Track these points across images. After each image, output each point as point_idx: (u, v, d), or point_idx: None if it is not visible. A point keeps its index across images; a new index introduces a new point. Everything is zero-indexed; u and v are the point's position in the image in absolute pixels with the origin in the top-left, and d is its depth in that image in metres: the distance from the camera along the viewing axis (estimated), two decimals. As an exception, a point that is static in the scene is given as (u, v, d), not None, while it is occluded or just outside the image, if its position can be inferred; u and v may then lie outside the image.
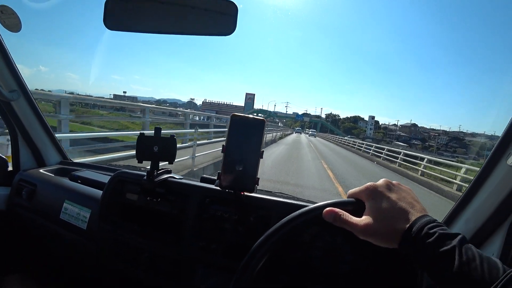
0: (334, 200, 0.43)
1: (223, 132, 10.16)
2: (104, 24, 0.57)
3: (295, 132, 56.44)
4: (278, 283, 0.62)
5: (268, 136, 15.04)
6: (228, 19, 0.56)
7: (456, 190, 7.64)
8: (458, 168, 8.88)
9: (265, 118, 0.63)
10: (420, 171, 10.34)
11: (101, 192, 0.83)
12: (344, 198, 0.45)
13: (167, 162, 0.74)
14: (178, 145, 0.80)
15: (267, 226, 0.46)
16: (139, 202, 0.76)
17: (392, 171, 11.46)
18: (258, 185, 0.63)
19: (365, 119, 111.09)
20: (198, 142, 6.54)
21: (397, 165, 12.42)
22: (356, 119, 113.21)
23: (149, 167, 0.73)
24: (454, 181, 8.16)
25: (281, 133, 25.07)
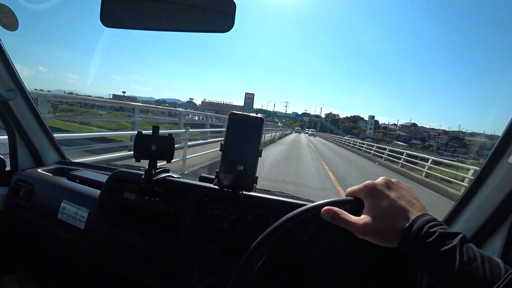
0: (332, 199, 0.43)
1: (220, 132, 9.93)
2: (101, 21, 0.57)
3: (295, 132, 56.43)
4: (277, 283, 0.61)
5: (266, 136, 14.65)
6: (226, 16, 0.55)
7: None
8: (466, 170, 8.48)
9: (265, 118, 0.63)
10: (424, 172, 9.92)
11: (99, 191, 0.82)
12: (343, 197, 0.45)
13: (165, 162, 0.74)
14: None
15: (265, 225, 0.46)
16: (137, 201, 0.76)
17: (394, 172, 11.02)
18: (256, 184, 0.63)
19: (365, 118, 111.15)
20: (193, 142, 6.40)
21: (399, 165, 12.08)
22: (356, 119, 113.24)
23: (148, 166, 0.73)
24: (462, 183, 7.70)
25: (280, 132, 24.53)
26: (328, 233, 0.62)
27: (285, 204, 0.65)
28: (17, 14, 0.86)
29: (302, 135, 45.74)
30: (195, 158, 5.46)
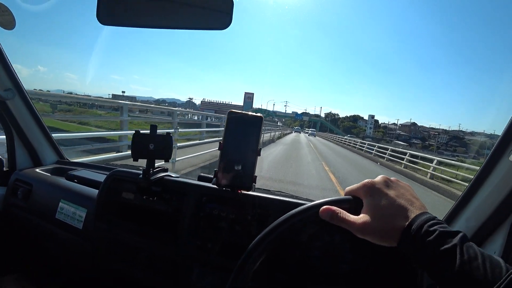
0: (331, 198, 0.42)
1: (217, 131, 9.63)
2: (98, 18, 0.56)
3: (294, 132, 56.46)
4: (277, 283, 0.61)
5: (265, 136, 14.26)
6: (223, 12, 0.55)
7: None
8: (472, 171, 8.05)
9: (264, 118, 0.62)
10: (429, 174, 9.47)
11: (97, 191, 0.82)
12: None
13: (163, 161, 0.73)
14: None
15: (264, 224, 0.45)
16: (135, 201, 0.75)
17: (397, 173, 10.52)
18: (255, 183, 0.62)
19: (364, 118, 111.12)
20: (184, 143, 6.09)
21: (402, 166, 11.67)
22: (355, 118, 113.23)
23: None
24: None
25: (279, 132, 24.10)
26: (328, 233, 0.62)
27: (284, 204, 0.65)
28: (17, 14, 0.85)
29: (302, 135, 45.64)
30: (185, 160, 5.08)
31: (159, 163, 0.76)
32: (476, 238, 0.60)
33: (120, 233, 0.76)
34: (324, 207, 0.41)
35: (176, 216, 0.70)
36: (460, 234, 0.34)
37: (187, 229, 0.68)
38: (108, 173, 0.81)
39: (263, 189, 0.80)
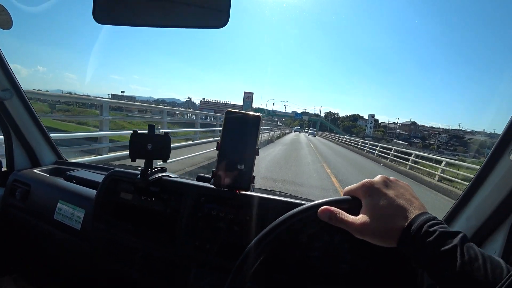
0: (329, 199, 0.42)
1: (213, 131, 9.07)
2: (94, 17, 0.56)
3: (294, 131, 56.44)
4: (277, 283, 0.61)
5: (263, 136, 13.68)
6: (220, 11, 0.55)
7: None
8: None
9: (263, 117, 0.62)
10: (437, 176, 8.85)
11: (95, 192, 0.82)
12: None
13: (161, 161, 0.73)
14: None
15: (263, 225, 0.45)
16: (133, 201, 0.75)
17: (403, 175, 9.98)
18: (254, 183, 0.62)
19: (364, 117, 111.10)
20: (177, 144, 5.63)
21: (407, 167, 11.07)
22: (355, 118, 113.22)
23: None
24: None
25: (278, 132, 23.56)
26: (327, 233, 0.61)
27: (283, 204, 0.65)
28: (17, 14, 0.85)
29: (302, 135, 45.52)
30: (173, 164, 4.50)
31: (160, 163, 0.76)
32: (476, 237, 0.59)
33: (118, 234, 0.75)
34: (323, 207, 0.40)
35: (174, 217, 0.70)
36: (460, 235, 0.33)
37: (185, 229, 0.68)
38: (106, 173, 0.81)
39: (262, 189, 0.80)
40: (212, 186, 0.66)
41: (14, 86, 0.99)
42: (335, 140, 34.11)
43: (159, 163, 0.90)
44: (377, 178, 0.42)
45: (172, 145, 0.72)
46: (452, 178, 8.35)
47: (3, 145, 1.10)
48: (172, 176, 0.77)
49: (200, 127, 8.43)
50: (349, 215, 0.40)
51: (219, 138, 0.60)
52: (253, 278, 0.42)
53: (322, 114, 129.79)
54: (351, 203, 0.42)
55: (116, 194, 0.77)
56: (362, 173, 9.50)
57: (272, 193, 0.75)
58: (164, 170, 0.77)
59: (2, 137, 1.10)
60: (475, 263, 0.30)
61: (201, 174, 0.76)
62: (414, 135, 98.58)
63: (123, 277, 0.76)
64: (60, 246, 0.95)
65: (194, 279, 0.66)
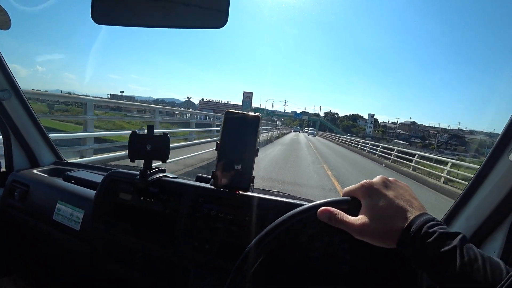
0: (329, 199, 0.42)
1: (209, 131, 8.81)
2: (92, 17, 0.56)
3: (294, 131, 56.42)
4: (277, 283, 0.61)
5: (262, 136, 13.15)
6: (219, 11, 0.54)
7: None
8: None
9: (263, 117, 0.62)
10: (443, 178, 8.48)
11: (94, 192, 0.82)
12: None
13: (160, 162, 0.73)
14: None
15: (262, 225, 0.45)
16: (132, 201, 0.75)
17: (407, 177, 9.62)
18: (253, 183, 0.62)
19: (364, 117, 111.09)
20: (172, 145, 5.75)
21: (411, 169, 10.68)
22: (355, 117, 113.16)
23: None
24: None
25: (278, 132, 23.26)
26: (327, 233, 0.61)
27: (283, 204, 0.65)
28: (16, 15, 0.85)
29: (301, 134, 45.49)
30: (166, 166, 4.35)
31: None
32: (475, 237, 0.59)
33: (117, 234, 0.75)
34: (322, 208, 0.40)
35: (174, 217, 0.70)
36: (460, 236, 0.33)
37: (184, 230, 0.68)
38: (105, 174, 0.81)
39: (261, 189, 0.80)
40: (212, 187, 0.66)
41: (13, 86, 0.98)
42: (335, 140, 33.84)
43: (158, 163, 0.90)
44: (377, 178, 0.42)
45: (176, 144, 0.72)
46: (453, 178, 8.27)
47: (2, 145, 1.10)
48: (171, 176, 0.77)
49: (196, 127, 8.01)
50: (348, 216, 0.40)
51: (215, 138, 0.60)
52: (253, 278, 0.42)
53: (322, 114, 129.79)
54: (351, 204, 0.42)
55: (115, 194, 0.77)
56: (364, 174, 9.12)
57: (272, 193, 0.75)
58: (163, 171, 0.77)
59: (1, 137, 1.10)
60: (475, 264, 0.31)
61: (200, 174, 0.76)
62: (414, 134, 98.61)
63: (122, 277, 0.76)
64: (59, 246, 0.95)
65: (194, 279, 0.66)
